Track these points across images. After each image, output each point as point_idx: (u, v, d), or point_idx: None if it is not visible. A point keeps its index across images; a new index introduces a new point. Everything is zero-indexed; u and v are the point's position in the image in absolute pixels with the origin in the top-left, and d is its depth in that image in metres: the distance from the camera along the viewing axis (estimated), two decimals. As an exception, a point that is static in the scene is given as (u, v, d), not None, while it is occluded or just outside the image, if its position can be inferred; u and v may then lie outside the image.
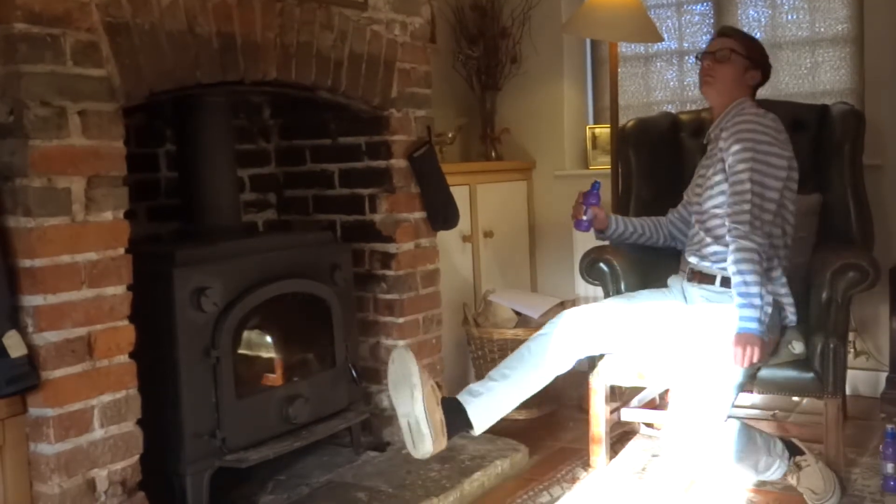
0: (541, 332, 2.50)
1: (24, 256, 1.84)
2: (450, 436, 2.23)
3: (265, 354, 2.66)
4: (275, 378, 2.61)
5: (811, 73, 3.59)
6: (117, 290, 2.00)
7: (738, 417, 2.41)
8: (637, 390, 3.05)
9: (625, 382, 2.86)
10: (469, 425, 2.30)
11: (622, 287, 2.88)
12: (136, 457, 2.06)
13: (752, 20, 3.71)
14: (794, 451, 2.42)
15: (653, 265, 3.01)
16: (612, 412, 2.86)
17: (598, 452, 2.80)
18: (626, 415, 2.94)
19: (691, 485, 2.58)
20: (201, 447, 2.28)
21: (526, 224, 4.00)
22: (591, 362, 2.75)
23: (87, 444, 1.95)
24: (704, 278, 2.50)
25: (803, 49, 3.60)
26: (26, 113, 1.82)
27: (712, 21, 3.78)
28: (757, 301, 2.26)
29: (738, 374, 2.31)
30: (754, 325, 2.25)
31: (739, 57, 2.52)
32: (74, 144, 1.91)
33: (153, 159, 2.71)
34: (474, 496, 2.58)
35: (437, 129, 3.25)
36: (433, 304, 3.01)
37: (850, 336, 2.85)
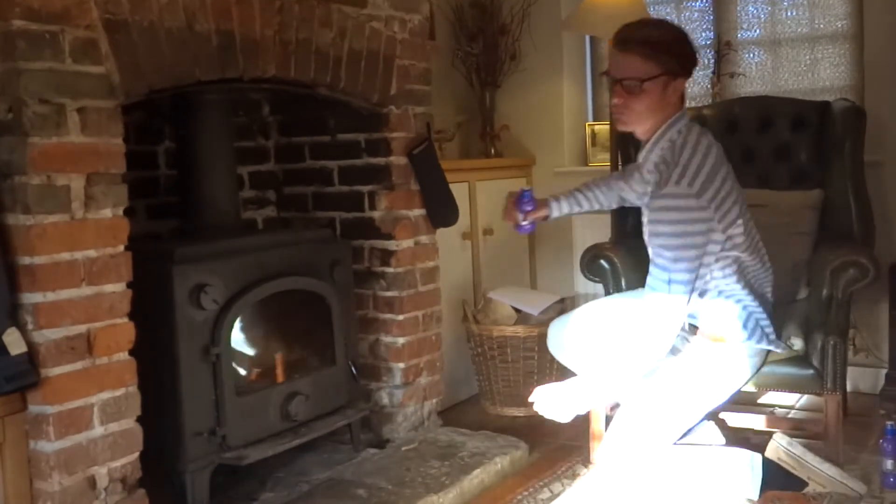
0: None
1: (23, 254, 1.84)
2: None
3: (265, 352, 2.66)
4: (275, 375, 2.61)
5: (811, 70, 3.59)
6: (117, 288, 2.00)
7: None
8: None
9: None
10: None
11: (623, 284, 2.88)
12: (136, 454, 2.06)
13: (751, 16, 3.71)
14: None
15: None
16: (611, 409, 2.86)
17: (598, 449, 2.80)
18: (626, 412, 2.94)
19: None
20: (201, 445, 2.28)
21: (526, 221, 4.00)
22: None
23: (87, 441, 1.95)
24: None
25: (803, 45, 3.60)
26: (25, 110, 1.82)
27: (712, 17, 3.78)
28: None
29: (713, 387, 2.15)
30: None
31: (652, 80, 2.05)
32: (73, 142, 1.91)
33: (152, 157, 2.71)
34: (474, 493, 2.58)
35: (436, 126, 3.25)
36: (433, 301, 3.01)
37: (850, 333, 2.84)
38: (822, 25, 3.57)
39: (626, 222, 3.22)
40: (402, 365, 2.89)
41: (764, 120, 3.20)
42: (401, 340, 2.89)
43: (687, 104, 2.29)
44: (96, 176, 1.95)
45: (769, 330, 2.23)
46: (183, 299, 2.22)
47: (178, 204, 2.65)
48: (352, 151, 2.90)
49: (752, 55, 3.70)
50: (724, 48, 3.69)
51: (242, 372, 2.55)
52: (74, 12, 1.90)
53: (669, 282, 2.01)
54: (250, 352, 2.63)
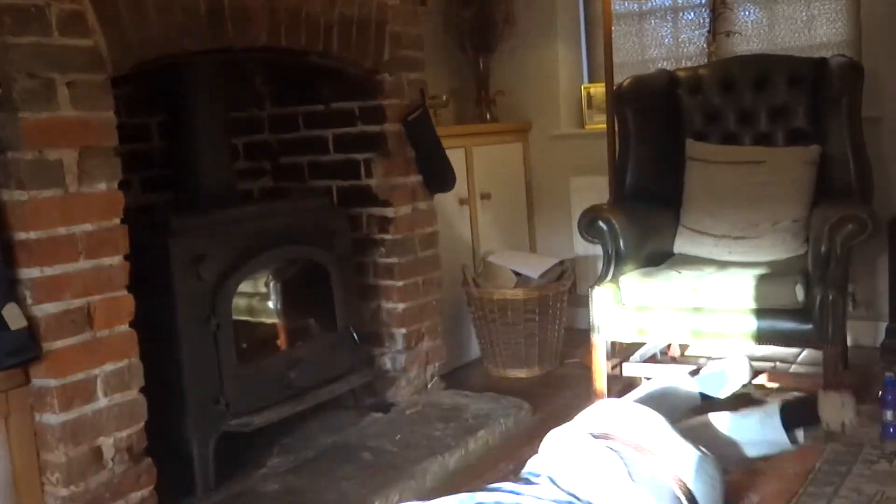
0: None
1: (18, 229, 1.84)
2: None
3: (266, 320, 2.68)
4: (277, 344, 2.63)
5: (807, 27, 3.55)
6: (114, 261, 2.01)
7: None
8: (637, 346, 3.07)
9: (625, 338, 2.88)
10: None
11: (621, 244, 2.88)
12: (141, 424, 2.08)
13: (746, -28, 3.66)
14: None
15: (651, 221, 3.01)
16: (613, 367, 2.89)
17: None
18: (628, 369, 2.96)
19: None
20: (205, 413, 2.30)
21: (523, 185, 3.99)
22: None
23: (92, 412, 1.96)
24: None
25: (799, 2, 3.56)
26: (14, 85, 1.81)
27: (707, -26, 3.74)
28: None
29: None
30: None
31: None
32: (64, 116, 1.90)
33: (146, 129, 2.70)
34: (479, 454, 2.60)
35: (430, 93, 3.23)
36: (432, 266, 3.02)
37: (850, 287, 2.85)
38: (817, -21, 3.53)
39: (624, 184, 3.22)
40: (403, 330, 2.91)
41: (760, 78, 3.18)
42: (401, 306, 2.90)
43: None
44: (88, 150, 1.94)
45: None
46: (181, 270, 2.23)
47: (173, 176, 2.65)
48: (346, 120, 2.88)
49: (747, 13, 3.66)
50: (719, 6, 3.64)
51: (245, 340, 2.57)
52: (60, -16, 1.88)
53: None
54: (252, 321, 2.64)
